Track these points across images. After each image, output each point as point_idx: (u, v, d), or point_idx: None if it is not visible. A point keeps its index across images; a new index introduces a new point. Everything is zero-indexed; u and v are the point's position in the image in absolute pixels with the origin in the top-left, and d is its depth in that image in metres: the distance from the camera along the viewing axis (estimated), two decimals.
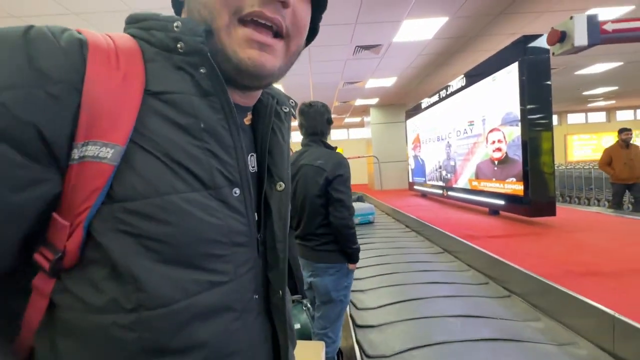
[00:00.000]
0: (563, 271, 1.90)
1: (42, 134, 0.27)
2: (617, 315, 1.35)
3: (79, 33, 0.31)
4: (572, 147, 12.53)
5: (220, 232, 0.35)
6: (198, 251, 0.33)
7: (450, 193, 5.13)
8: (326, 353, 1.40)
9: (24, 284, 0.31)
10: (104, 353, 0.30)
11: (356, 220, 4.20)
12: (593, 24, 1.45)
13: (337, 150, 1.56)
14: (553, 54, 1.63)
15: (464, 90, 4.50)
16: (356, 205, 4.51)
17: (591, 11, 3.79)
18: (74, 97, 0.28)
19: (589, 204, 6.86)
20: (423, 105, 6.22)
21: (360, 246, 1.48)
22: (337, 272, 1.43)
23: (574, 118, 12.65)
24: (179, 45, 0.34)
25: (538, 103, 3.15)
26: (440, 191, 5.55)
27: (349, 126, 13.13)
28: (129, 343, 0.30)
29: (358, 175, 12.61)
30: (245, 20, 0.35)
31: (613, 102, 10.98)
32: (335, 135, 13.26)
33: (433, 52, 4.91)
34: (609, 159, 4.92)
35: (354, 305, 2.01)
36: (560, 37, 1.56)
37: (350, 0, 3.23)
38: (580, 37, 1.51)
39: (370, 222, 4.59)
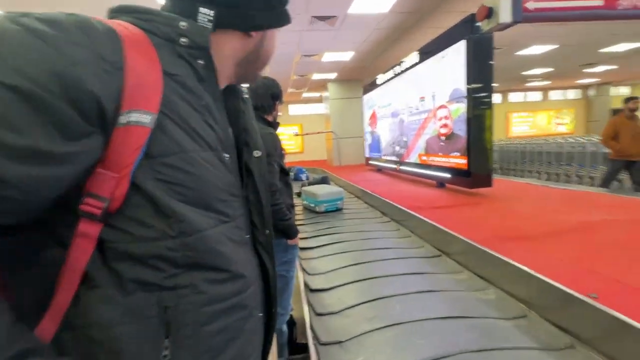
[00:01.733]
0: (493, 236, 2.11)
1: (100, 102, 0.35)
2: (532, 272, 1.54)
3: (103, 22, 0.38)
4: (512, 123, 13.65)
5: (223, 183, 0.47)
6: (210, 196, 0.44)
7: (402, 167, 5.36)
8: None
9: (60, 236, 0.38)
10: (159, 269, 0.40)
11: (322, 207, 3.69)
12: (517, 1, 1.54)
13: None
14: (482, 30, 1.71)
15: (416, 67, 4.60)
16: (321, 188, 3.95)
17: None
18: (120, 75, 0.36)
19: (523, 176, 7.62)
20: (379, 81, 6.28)
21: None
22: None
23: (515, 97, 13.68)
24: (182, 40, 0.44)
25: (481, 82, 3.32)
26: (394, 166, 5.77)
27: (307, 101, 12.93)
28: (176, 260, 0.41)
29: (317, 152, 12.64)
30: None
31: (548, 82, 12.02)
32: (294, 111, 13.02)
33: (389, 26, 4.91)
34: (614, 132, 4.24)
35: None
36: (488, 13, 1.64)
37: None
38: (505, 13, 1.59)
39: (338, 209, 3.79)
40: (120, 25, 0.39)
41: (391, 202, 3.37)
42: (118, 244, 0.39)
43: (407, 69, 4.92)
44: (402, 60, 5.09)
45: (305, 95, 11.48)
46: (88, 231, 0.37)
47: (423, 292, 1.71)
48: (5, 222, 0.34)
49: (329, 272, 2.09)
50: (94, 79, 0.34)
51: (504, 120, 13.41)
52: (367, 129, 7.39)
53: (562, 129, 13.64)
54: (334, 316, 1.55)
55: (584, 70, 9.84)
